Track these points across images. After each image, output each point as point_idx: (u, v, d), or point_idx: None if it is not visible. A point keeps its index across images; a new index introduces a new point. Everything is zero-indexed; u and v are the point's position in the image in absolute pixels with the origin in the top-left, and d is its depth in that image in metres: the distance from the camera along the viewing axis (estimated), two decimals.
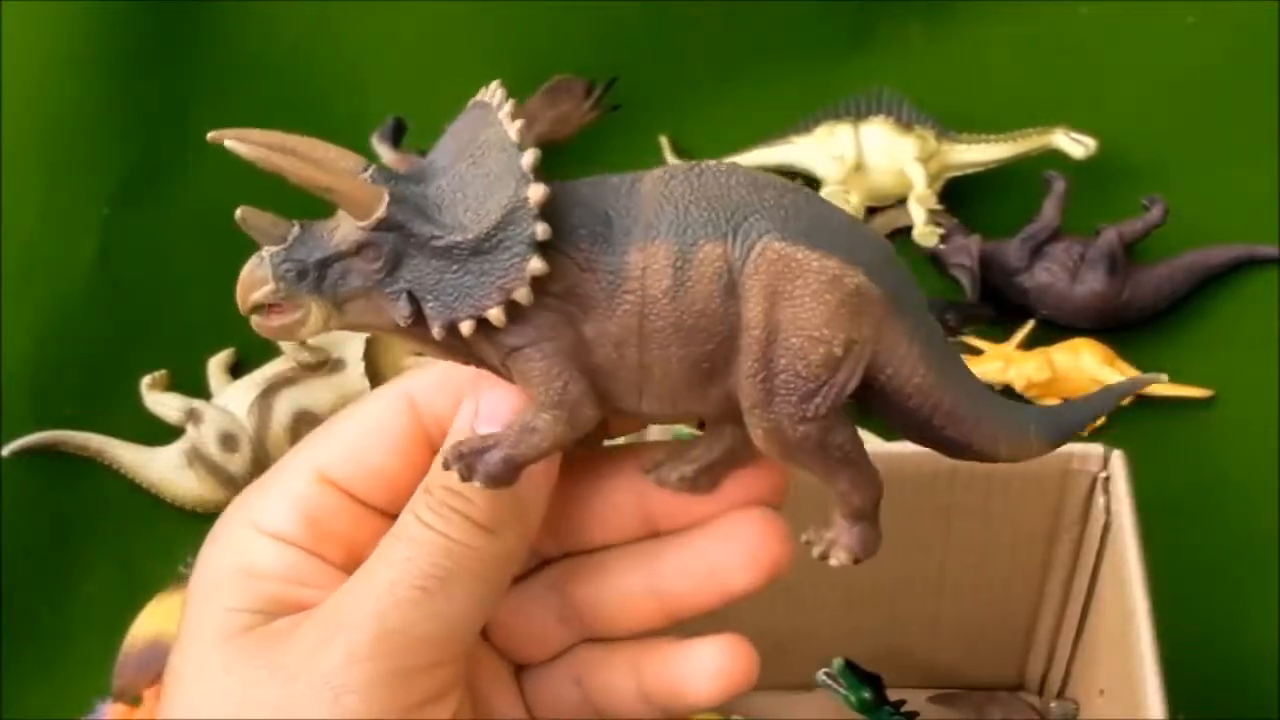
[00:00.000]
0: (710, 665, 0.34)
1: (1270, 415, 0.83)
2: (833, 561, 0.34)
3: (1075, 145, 0.93)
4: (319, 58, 1.00)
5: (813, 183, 0.96)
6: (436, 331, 0.30)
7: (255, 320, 0.31)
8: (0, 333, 0.86)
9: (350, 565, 0.32)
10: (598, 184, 0.31)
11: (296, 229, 0.31)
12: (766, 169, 0.97)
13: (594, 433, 0.33)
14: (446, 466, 0.30)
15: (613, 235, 0.30)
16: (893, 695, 0.69)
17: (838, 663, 0.68)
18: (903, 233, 0.94)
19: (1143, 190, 0.91)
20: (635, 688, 0.35)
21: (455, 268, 0.29)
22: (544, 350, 0.30)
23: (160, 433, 0.83)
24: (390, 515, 0.33)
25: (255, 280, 0.30)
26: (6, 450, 0.83)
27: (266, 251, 0.30)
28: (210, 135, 0.30)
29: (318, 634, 0.31)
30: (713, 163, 0.32)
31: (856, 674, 0.68)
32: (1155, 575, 0.58)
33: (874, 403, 0.32)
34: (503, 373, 0.31)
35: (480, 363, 0.31)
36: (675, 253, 0.30)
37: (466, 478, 0.30)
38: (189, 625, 0.32)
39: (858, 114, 0.95)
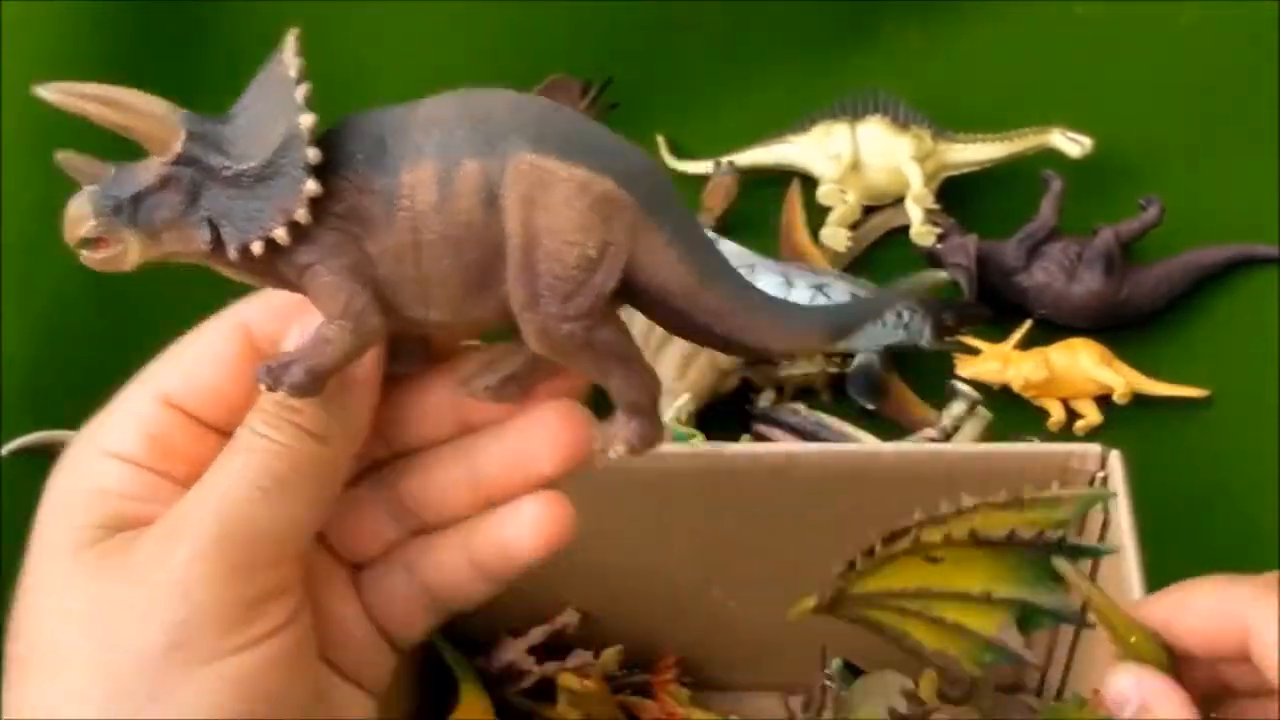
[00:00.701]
0: (530, 518, 0.37)
1: (1269, 415, 0.83)
2: (611, 454, 0.36)
3: (1072, 144, 0.94)
4: (319, 57, 0.99)
5: (810, 181, 0.96)
6: (232, 254, 0.33)
7: (84, 255, 0.34)
8: (0, 333, 0.86)
9: (194, 482, 0.35)
10: (379, 114, 0.34)
11: (113, 170, 0.33)
12: (763, 168, 0.98)
13: (416, 355, 0.37)
14: (261, 380, 0.33)
15: (387, 159, 0.33)
16: None
17: (837, 663, 0.68)
18: (900, 232, 0.94)
19: (1140, 190, 0.91)
20: (466, 561, 0.37)
21: (245, 195, 0.32)
22: (330, 267, 0.33)
23: None
24: (229, 434, 0.35)
25: (78, 216, 0.33)
26: (6, 450, 0.83)
27: (87, 190, 0.33)
28: (34, 89, 0.33)
29: (163, 538, 0.33)
30: (482, 89, 0.34)
31: (856, 674, 0.68)
32: (1154, 575, 0.58)
33: (642, 304, 0.35)
34: (299, 286, 0.34)
35: (285, 284, 0.34)
36: (440, 171, 0.32)
37: (273, 389, 0.33)
38: (39, 546, 0.35)
39: (854, 113, 0.95)
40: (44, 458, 0.83)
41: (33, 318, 0.88)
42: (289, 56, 0.34)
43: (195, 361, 0.36)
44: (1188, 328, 0.90)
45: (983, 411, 0.82)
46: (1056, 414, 0.84)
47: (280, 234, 0.32)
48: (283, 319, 0.36)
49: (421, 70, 1.01)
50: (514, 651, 0.73)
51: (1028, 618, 0.46)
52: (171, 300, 0.90)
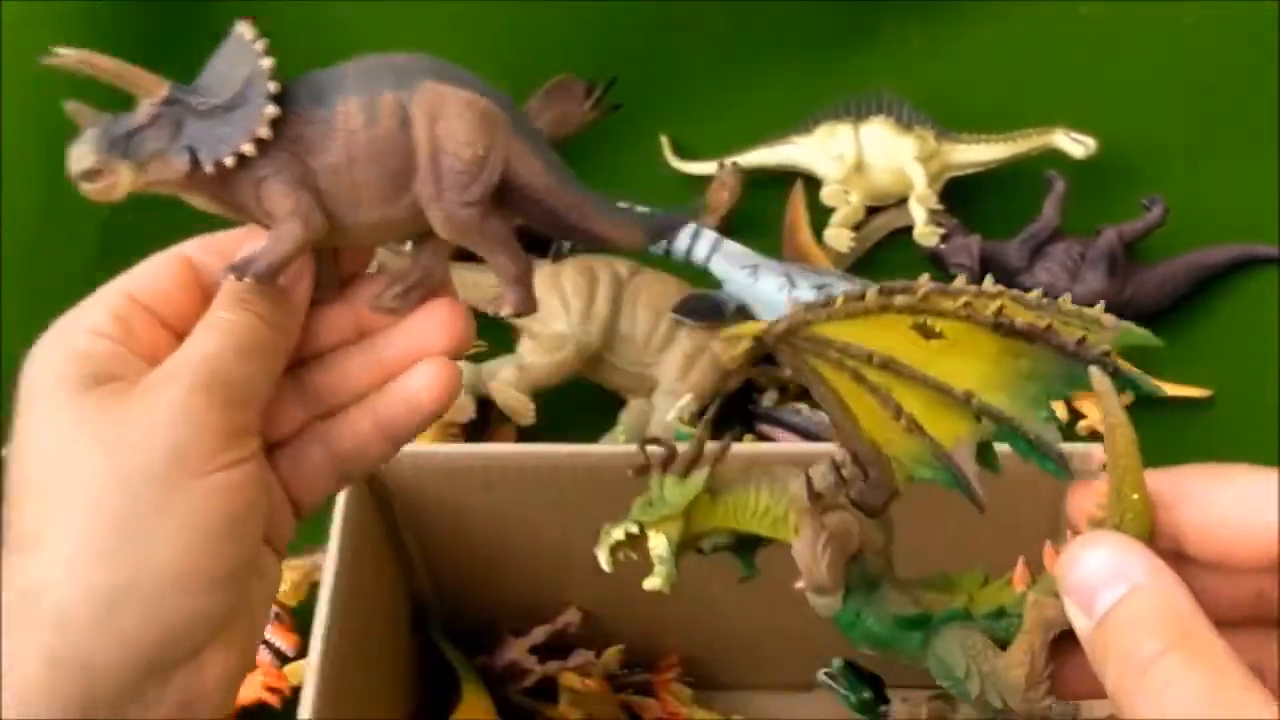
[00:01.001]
0: (427, 374, 0.45)
1: (1270, 415, 0.83)
2: (504, 312, 0.45)
3: (1075, 145, 0.93)
4: (319, 58, 1.00)
5: (813, 182, 0.96)
6: (208, 168, 0.41)
7: (83, 187, 0.42)
8: (0, 333, 0.86)
9: (153, 359, 0.42)
10: (315, 72, 0.43)
11: (110, 117, 0.42)
12: (767, 169, 0.98)
13: (330, 285, 0.46)
14: (229, 273, 0.42)
15: (324, 97, 0.42)
16: (893, 695, 0.69)
17: (838, 663, 0.68)
18: (903, 233, 0.94)
19: (1142, 190, 0.91)
20: (372, 425, 0.45)
21: (217, 123, 0.42)
22: (283, 178, 0.42)
23: None
24: (176, 329, 0.43)
25: (81, 153, 0.41)
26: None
27: (89, 131, 0.42)
28: (56, 51, 0.41)
29: (158, 383, 0.41)
30: (391, 53, 0.44)
31: (856, 674, 0.68)
32: None
33: (516, 201, 0.44)
34: (254, 207, 0.42)
35: (241, 207, 0.43)
36: (366, 102, 0.42)
37: (241, 277, 0.42)
38: (30, 399, 0.42)
39: (858, 114, 0.95)
40: None
41: (33, 318, 0.87)
42: (244, 28, 0.42)
43: (149, 273, 0.44)
44: (1190, 328, 0.90)
45: None
46: (1059, 414, 0.84)
47: (248, 148, 0.41)
48: (215, 252, 0.45)
49: None
50: (516, 651, 0.74)
51: (991, 447, 0.40)
52: None
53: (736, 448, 0.65)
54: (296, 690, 0.63)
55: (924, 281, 0.39)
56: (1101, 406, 0.38)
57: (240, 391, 0.41)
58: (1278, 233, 0.92)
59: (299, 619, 0.73)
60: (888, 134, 0.94)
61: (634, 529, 0.46)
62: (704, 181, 0.97)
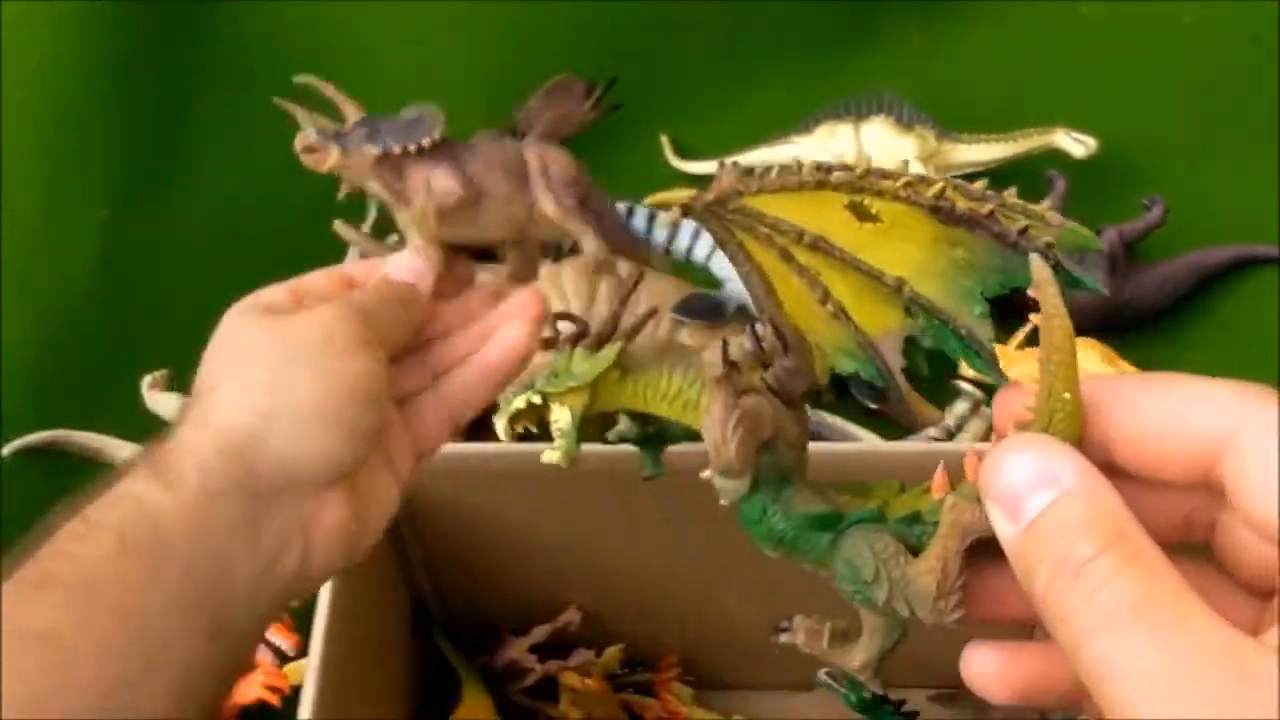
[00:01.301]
0: (515, 327, 0.55)
1: None
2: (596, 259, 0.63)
3: (1075, 144, 0.93)
4: (320, 58, 1.00)
5: None
6: (395, 149, 0.70)
7: (303, 157, 0.69)
8: (0, 333, 0.86)
9: None
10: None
11: (322, 124, 0.72)
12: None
13: (448, 282, 0.57)
14: (420, 201, 0.70)
15: (471, 145, 0.69)
16: (893, 695, 0.69)
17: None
18: None
19: (1142, 190, 0.91)
20: (479, 371, 0.56)
21: (402, 130, 0.67)
22: (447, 167, 0.68)
23: (160, 433, 0.83)
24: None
25: (306, 134, 0.68)
26: (7, 450, 0.83)
27: (309, 127, 0.70)
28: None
29: (319, 305, 0.52)
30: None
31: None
32: None
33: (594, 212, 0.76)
34: (418, 190, 0.71)
35: (400, 191, 0.71)
36: (497, 142, 0.66)
37: (424, 205, 0.69)
38: (223, 327, 0.52)
39: (858, 114, 0.95)
40: (45, 457, 0.84)
41: (33, 318, 0.88)
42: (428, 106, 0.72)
43: (317, 273, 0.56)
44: (1190, 328, 0.90)
45: (986, 411, 0.82)
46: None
47: (426, 142, 0.66)
48: (363, 266, 0.57)
49: (424, 71, 1.01)
50: (516, 650, 0.74)
51: (918, 340, 0.38)
52: (172, 301, 0.91)
53: None
54: (296, 690, 0.62)
55: (863, 161, 0.37)
56: (1041, 297, 0.35)
57: (375, 320, 0.52)
58: (1278, 233, 0.92)
59: (299, 619, 0.73)
60: (888, 134, 0.94)
61: (536, 399, 0.45)
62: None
